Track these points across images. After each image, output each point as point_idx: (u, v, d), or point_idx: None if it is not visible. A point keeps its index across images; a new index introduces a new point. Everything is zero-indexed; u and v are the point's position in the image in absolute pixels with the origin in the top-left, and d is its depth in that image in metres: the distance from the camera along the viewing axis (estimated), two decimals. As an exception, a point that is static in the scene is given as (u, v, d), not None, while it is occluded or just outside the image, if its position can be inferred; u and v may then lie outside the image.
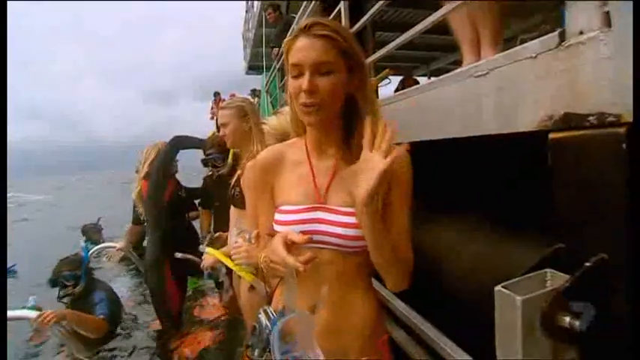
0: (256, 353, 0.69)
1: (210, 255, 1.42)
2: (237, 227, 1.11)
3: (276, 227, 0.76)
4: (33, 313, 1.72)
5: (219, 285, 2.59)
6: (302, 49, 0.65)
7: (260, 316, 0.72)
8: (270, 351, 0.64)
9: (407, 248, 0.75)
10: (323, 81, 0.66)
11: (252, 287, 1.33)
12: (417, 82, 5.18)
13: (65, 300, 2.24)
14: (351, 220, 0.70)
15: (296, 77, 0.67)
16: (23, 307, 1.78)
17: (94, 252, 3.05)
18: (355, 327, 0.75)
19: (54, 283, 2.22)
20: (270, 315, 0.71)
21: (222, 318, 2.64)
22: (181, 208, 2.59)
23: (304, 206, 0.73)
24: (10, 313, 1.67)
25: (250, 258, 1.05)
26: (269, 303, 0.81)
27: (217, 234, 1.86)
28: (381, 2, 1.29)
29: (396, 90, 4.68)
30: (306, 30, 0.66)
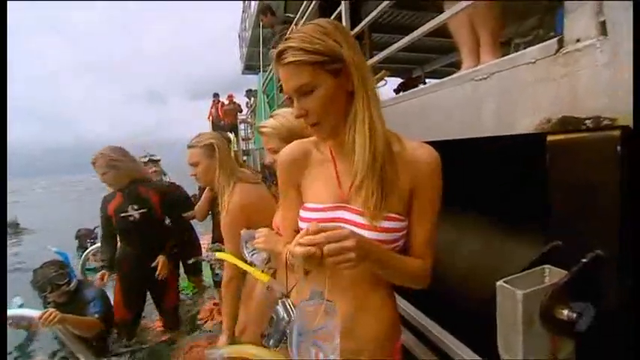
0: (271, 342, 0.72)
1: (219, 257, 1.42)
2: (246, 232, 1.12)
3: (300, 224, 0.76)
4: (35, 313, 1.72)
5: (217, 284, 2.59)
6: (282, 79, 0.67)
7: (278, 307, 0.73)
8: (286, 341, 0.66)
9: (425, 255, 0.73)
10: (308, 101, 0.67)
11: (269, 287, 1.33)
12: (417, 81, 5.20)
13: (56, 302, 2.18)
14: (380, 223, 0.68)
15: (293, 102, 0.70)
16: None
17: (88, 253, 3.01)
18: (371, 330, 0.74)
19: (43, 288, 2.16)
20: (289, 307, 0.73)
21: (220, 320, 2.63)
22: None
23: (328, 205, 0.73)
24: (11, 312, 1.67)
25: (268, 243, 1.05)
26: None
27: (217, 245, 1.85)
28: (383, 4, 1.31)
29: (398, 88, 4.73)
30: (278, 59, 0.66)
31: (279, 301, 0.75)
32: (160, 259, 2.30)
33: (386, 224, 0.68)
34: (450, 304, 1.10)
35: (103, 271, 2.33)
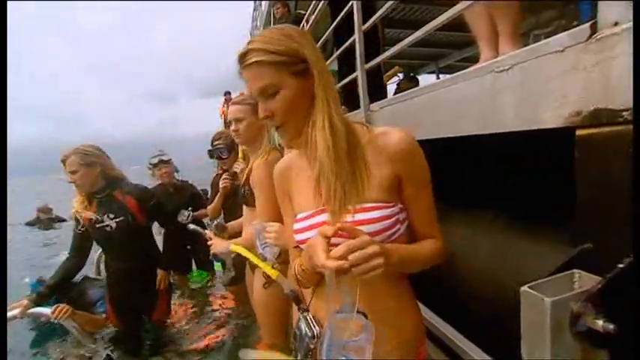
0: (298, 357, 0.71)
1: (233, 250, 1.42)
2: (258, 223, 1.12)
3: (295, 237, 0.75)
4: (48, 310, 1.78)
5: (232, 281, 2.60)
6: (246, 81, 0.68)
7: (300, 323, 0.72)
8: (311, 355, 0.65)
9: (434, 232, 0.73)
10: (274, 103, 0.67)
11: (267, 284, 1.32)
12: (416, 80, 4.98)
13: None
14: (362, 216, 0.66)
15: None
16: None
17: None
18: (392, 340, 0.71)
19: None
20: (310, 322, 0.72)
21: (232, 312, 2.65)
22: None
23: (311, 211, 0.72)
24: (28, 310, 1.74)
25: (279, 239, 1.05)
26: (297, 302, 0.80)
27: (224, 223, 1.85)
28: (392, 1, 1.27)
29: (394, 93, 4.55)
30: (241, 62, 0.67)
31: (300, 316, 0.74)
32: (160, 274, 2.14)
33: (365, 216, 0.66)
34: (464, 305, 1.06)
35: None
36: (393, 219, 0.68)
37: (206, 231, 1.68)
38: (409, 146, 0.69)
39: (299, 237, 0.74)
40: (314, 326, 0.72)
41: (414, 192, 0.71)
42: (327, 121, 0.65)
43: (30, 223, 8.00)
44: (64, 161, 1.86)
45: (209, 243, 1.54)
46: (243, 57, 0.66)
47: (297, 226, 0.75)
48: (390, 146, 0.69)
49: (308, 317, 0.74)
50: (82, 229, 1.93)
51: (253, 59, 0.65)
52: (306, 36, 0.69)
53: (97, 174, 1.91)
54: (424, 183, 0.72)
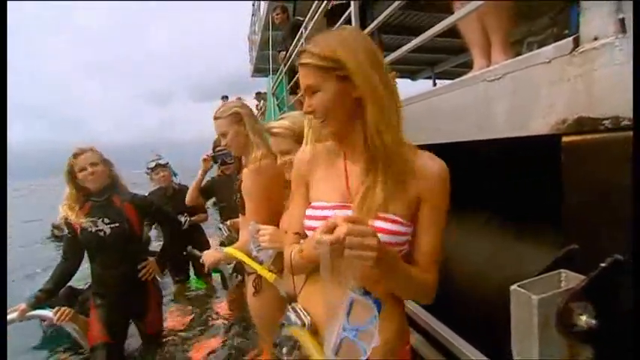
0: (285, 351, 0.68)
1: (228, 255, 1.42)
2: (253, 225, 1.13)
3: (307, 222, 0.77)
4: (50, 312, 1.80)
5: (224, 280, 2.60)
6: (299, 75, 0.74)
7: (289, 313, 0.72)
8: (299, 348, 0.65)
9: (431, 270, 0.72)
10: (314, 100, 0.72)
11: (256, 292, 1.34)
12: None
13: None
14: (382, 224, 0.68)
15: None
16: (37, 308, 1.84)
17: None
18: (382, 331, 0.70)
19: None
20: (301, 313, 0.72)
21: (230, 319, 2.65)
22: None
23: (334, 204, 0.74)
24: (30, 312, 1.75)
25: (274, 242, 1.07)
26: (290, 303, 0.80)
27: (231, 221, 1.86)
28: (392, 6, 1.31)
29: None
30: (297, 58, 0.73)
31: (289, 306, 0.74)
32: (150, 260, 2.06)
33: (382, 224, 0.68)
34: (459, 306, 1.08)
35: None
36: (405, 237, 0.71)
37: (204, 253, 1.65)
38: (438, 171, 0.71)
39: (311, 223, 0.75)
40: (304, 316, 0.72)
41: (428, 214, 0.72)
42: (372, 126, 0.68)
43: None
44: (77, 155, 1.82)
45: (201, 261, 1.53)
46: (299, 55, 0.73)
47: (313, 212, 0.76)
48: (428, 169, 0.71)
49: (297, 307, 0.74)
50: (72, 233, 1.89)
51: (303, 60, 0.71)
52: (362, 41, 0.72)
53: (107, 174, 1.91)
54: (441, 211, 0.72)
